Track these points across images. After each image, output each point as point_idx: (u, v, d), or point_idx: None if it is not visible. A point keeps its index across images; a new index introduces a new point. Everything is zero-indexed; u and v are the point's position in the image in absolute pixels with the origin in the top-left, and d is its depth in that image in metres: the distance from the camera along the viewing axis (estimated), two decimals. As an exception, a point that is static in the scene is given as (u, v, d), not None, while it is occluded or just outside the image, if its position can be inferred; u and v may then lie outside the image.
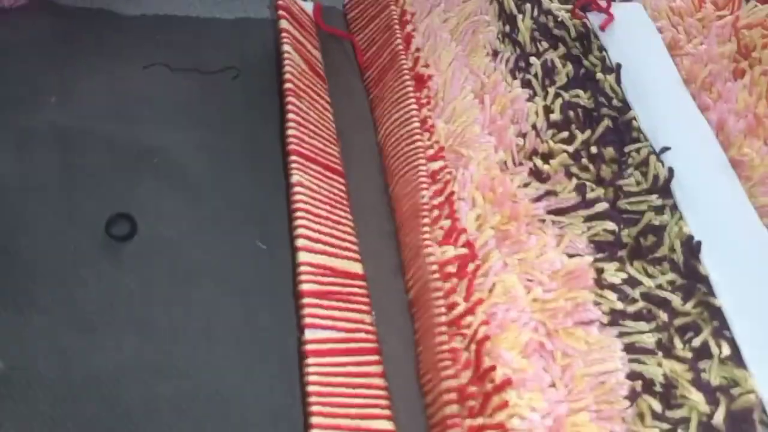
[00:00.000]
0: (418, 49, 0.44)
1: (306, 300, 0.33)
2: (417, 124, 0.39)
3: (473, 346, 0.32)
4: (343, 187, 0.40)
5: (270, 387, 0.34)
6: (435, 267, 0.33)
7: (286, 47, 0.41)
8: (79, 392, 0.32)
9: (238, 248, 0.38)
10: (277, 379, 0.34)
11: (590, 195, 0.39)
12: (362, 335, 0.34)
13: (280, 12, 0.43)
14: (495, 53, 0.46)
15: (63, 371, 0.32)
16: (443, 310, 0.33)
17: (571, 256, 0.37)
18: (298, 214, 0.35)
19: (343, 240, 0.37)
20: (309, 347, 0.32)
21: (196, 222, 0.38)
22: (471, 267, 0.34)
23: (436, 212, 0.36)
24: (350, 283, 0.36)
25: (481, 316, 0.32)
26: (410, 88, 0.41)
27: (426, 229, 0.35)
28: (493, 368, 0.31)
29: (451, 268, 0.34)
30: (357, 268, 0.37)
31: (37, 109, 0.40)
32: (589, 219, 0.38)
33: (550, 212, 0.38)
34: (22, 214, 0.36)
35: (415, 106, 0.40)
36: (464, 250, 0.34)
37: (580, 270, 0.35)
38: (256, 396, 0.33)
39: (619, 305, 0.35)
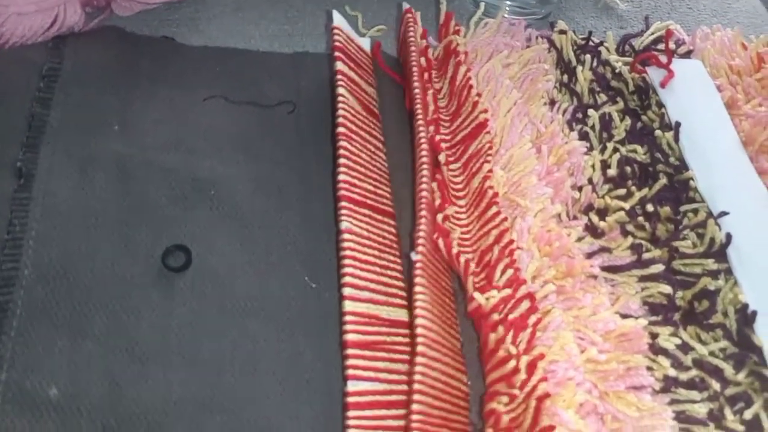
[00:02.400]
0: (478, 94, 0.44)
1: (350, 351, 0.33)
2: (426, 173, 0.39)
3: (533, 403, 0.31)
4: (393, 230, 0.40)
5: (312, 428, 0.34)
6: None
7: (341, 89, 0.42)
8: (127, 424, 0.32)
9: (288, 285, 0.38)
10: (320, 421, 0.34)
11: (646, 255, 0.38)
12: (405, 387, 0.34)
13: (336, 53, 0.43)
14: (552, 102, 0.46)
15: (113, 401, 0.33)
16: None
17: (623, 316, 0.36)
18: (346, 261, 0.35)
19: (390, 286, 0.37)
20: (350, 399, 0.32)
21: (248, 256, 0.39)
22: (532, 319, 0.34)
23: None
24: (395, 332, 0.36)
25: (540, 372, 0.32)
26: (423, 135, 0.40)
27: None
28: (552, 428, 0.30)
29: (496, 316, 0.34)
30: (402, 315, 0.37)
31: (100, 136, 0.41)
32: (643, 279, 0.38)
33: (603, 269, 0.38)
34: (81, 240, 0.37)
35: (425, 153, 0.40)
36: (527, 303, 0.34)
37: (634, 333, 0.35)
38: (300, 437, 0.33)
39: (672, 372, 0.35)
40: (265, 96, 0.46)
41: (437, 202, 0.39)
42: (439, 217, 0.38)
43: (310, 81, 0.48)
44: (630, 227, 0.40)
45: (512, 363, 0.33)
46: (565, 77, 0.47)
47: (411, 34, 0.46)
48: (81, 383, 0.33)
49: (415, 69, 0.44)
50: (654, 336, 0.36)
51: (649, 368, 0.35)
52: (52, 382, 0.33)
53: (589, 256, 0.39)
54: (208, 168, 0.41)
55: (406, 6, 0.49)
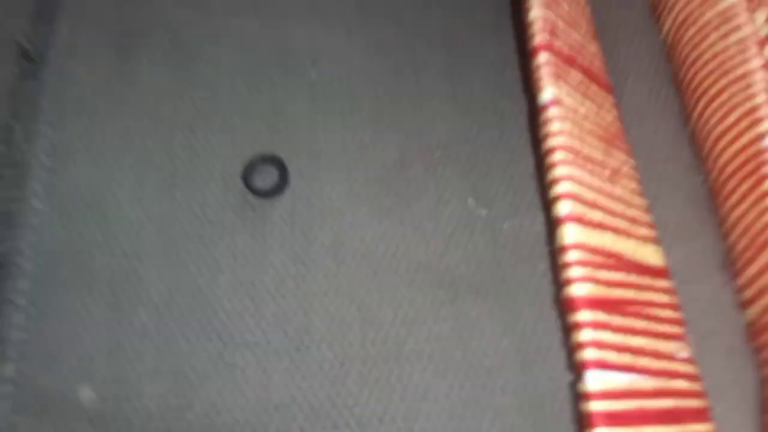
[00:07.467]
0: None
1: (582, 316, 0.18)
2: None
3: None
4: (616, 112, 0.24)
5: None
6: None
7: None
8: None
9: (441, 213, 0.24)
10: None
11: None
12: (680, 384, 0.19)
13: None
14: None
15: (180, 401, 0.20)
16: None
17: None
18: (558, 156, 0.20)
19: (629, 205, 0.21)
20: (595, 407, 0.17)
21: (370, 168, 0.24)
22: None
23: None
24: (649, 285, 0.20)
25: None
26: None
27: None
28: None
29: None
30: (655, 256, 0.21)
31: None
32: None
33: None
34: (115, 154, 0.24)
35: None
36: None
37: None
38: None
39: None
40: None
41: None
42: None
43: None
44: None
45: None
46: None
47: None
48: (129, 377, 0.21)
49: None
50: None
51: None
52: (84, 380, 0.21)
53: None
54: (307, 36, 0.27)
55: None
